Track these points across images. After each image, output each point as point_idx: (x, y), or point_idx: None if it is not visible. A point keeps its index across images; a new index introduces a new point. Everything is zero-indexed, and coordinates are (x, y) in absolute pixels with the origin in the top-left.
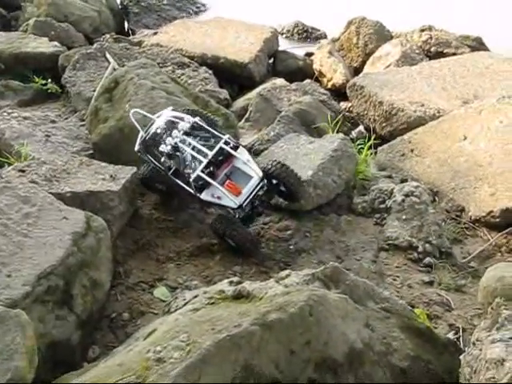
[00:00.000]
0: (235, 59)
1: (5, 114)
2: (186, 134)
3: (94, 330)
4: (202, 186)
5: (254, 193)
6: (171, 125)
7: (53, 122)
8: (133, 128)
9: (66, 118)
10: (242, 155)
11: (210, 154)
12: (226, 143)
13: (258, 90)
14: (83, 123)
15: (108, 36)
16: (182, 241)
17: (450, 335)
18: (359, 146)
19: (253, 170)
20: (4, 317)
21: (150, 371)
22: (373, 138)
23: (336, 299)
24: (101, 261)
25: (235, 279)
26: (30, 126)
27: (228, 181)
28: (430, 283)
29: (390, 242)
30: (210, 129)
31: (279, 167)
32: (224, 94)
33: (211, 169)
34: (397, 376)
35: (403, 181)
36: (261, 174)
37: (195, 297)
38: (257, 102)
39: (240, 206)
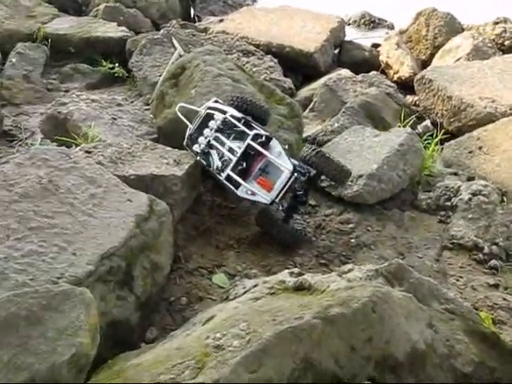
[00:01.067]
0: (301, 48)
1: (73, 96)
2: (219, 130)
3: (153, 312)
4: (237, 182)
5: (286, 187)
6: (206, 120)
7: (119, 105)
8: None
9: (132, 102)
10: (273, 149)
11: (239, 151)
12: (256, 138)
13: (322, 80)
14: (148, 107)
15: (174, 22)
16: (242, 228)
17: None
18: (426, 141)
19: (283, 163)
20: (70, 294)
21: (209, 357)
22: (441, 133)
23: (400, 297)
24: (162, 244)
25: (296, 270)
26: (97, 108)
27: (260, 176)
28: (496, 286)
29: (455, 241)
30: (238, 124)
31: (315, 155)
32: (288, 82)
33: (244, 165)
34: (459, 381)
35: (470, 179)
36: (291, 167)
37: (255, 286)
38: (322, 92)
39: (273, 202)
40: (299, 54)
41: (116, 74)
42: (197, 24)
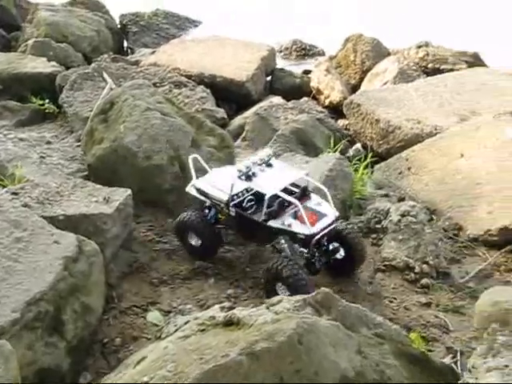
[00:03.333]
0: (232, 78)
1: (1, 135)
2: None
3: (86, 356)
4: (270, 215)
5: (327, 230)
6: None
7: (48, 142)
8: (127, 149)
9: (63, 139)
10: (313, 200)
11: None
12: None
13: (254, 108)
14: (79, 144)
15: (106, 56)
16: (176, 263)
17: (448, 359)
18: (356, 165)
19: (328, 208)
20: None
21: None
22: (369, 156)
23: (327, 326)
24: (93, 285)
25: (227, 304)
26: (25, 147)
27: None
28: (428, 304)
29: (387, 262)
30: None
31: (353, 230)
32: (221, 112)
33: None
34: None
35: (400, 199)
36: (337, 213)
37: (186, 323)
38: (253, 121)
39: (313, 236)
40: (231, 84)
41: (46, 111)
42: (129, 57)
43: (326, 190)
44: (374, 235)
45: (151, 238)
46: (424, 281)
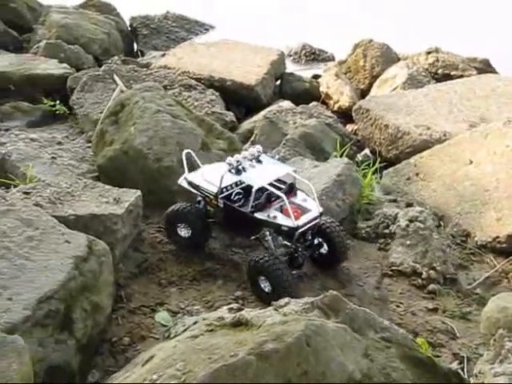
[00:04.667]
0: (242, 81)
1: (12, 135)
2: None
3: (94, 354)
4: (257, 207)
5: (310, 225)
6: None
7: (59, 143)
8: (137, 151)
9: (73, 140)
10: (299, 196)
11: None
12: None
13: (264, 112)
14: (90, 145)
15: (116, 58)
16: (184, 265)
17: (454, 365)
18: (364, 170)
19: (313, 204)
20: (1, 342)
21: None
22: (378, 162)
23: (334, 329)
24: (102, 285)
25: (235, 306)
26: (36, 147)
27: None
28: (435, 310)
29: (394, 267)
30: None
31: (330, 223)
32: (230, 116)
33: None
34: None
35: (408, 205)
36: (321, 209)
37: (195, 323)
38: (262, 124)
39: (296, 229)
40: (241, 87)
41: (57, 112)
42: (139, 59)
43: (311, 185)
44: (381, 240)
45: (160, 239)
46: (431, 286)
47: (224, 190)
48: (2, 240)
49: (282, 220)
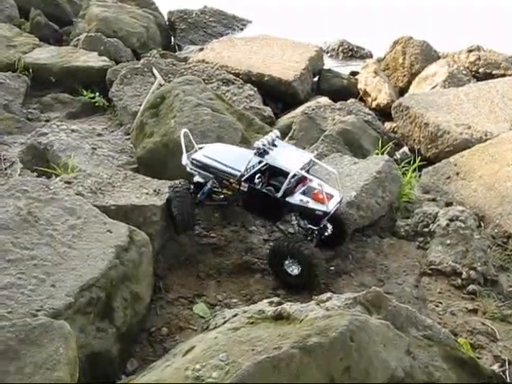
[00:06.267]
0: (280, 77)
1: (54, 126)
2: None
3: (133, 343)
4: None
5: (335, 209)
6: None
7: (99, 135)
8: (177, 143)
9: (112, 132)
10: (314, 181)
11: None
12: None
13: (302, 108)
14: (128, 137)
15: (155, 51)
16: (222, 258)
17: (496, 367)
18: (404, 168)
19: (331, 189)
20: (48, 327)
21: None
22: (418, 160)
23: (377, 325)
24: (142, 275)
25: (275, 299)
26: (77, 138)
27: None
28: (474, 311)
29: (433, 266)
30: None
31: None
32: (268, 111)
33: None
34: None
35: (448, 204)
36: (342, 194)
37: (235, 316)
38: (301, 120)
39: (328, 213)
40: (278, 83)
41: (96, 104)
42: (177, 53)
43: (336, 172)
44: (420, 239)
45: (198, 231)
46: (471, 287)
47: (245, 173)
48: (46, 228)
49: (314, 205)
